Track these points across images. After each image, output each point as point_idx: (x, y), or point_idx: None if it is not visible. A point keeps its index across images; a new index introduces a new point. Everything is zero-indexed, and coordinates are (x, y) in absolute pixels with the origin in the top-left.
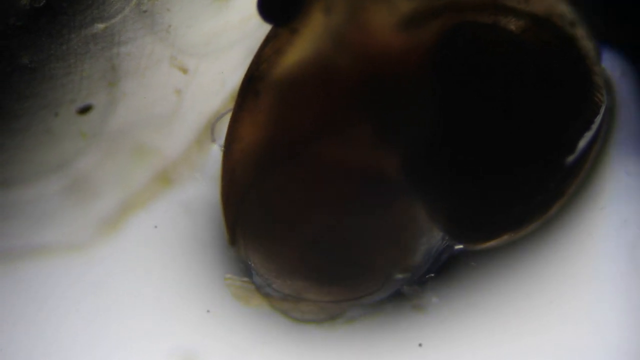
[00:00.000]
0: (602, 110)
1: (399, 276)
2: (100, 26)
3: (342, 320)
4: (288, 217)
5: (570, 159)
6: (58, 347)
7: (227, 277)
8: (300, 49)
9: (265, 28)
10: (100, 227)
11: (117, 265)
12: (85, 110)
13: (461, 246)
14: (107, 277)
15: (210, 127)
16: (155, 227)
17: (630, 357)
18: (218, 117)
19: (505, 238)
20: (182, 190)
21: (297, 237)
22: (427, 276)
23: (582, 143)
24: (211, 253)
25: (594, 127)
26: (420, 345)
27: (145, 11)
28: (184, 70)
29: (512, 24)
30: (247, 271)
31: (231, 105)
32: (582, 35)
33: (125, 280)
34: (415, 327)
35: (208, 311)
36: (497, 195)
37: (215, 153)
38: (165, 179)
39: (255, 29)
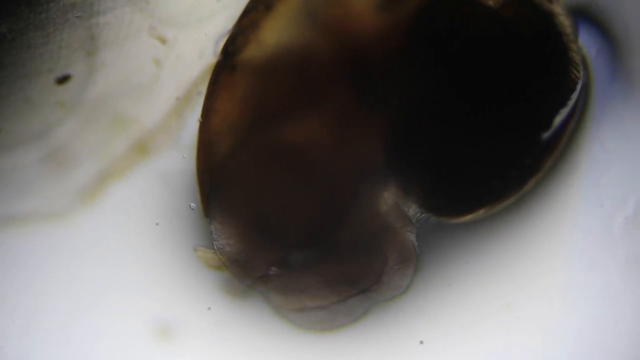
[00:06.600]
0: (579, 87)
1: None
2: None
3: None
4: (263, 191)
5: (547, 134)
6: (36, 315)
7: (197, 249)
8: (276, 25)
9: None
10: (78, 196)
11: (95, 234)
12: (63, 80)
13: (437, 219)
14: (85, 246)
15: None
16: (157, 224)
17: (605, 333)
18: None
19: (480, 212)
20: (160, 160)
21: (271, 212)
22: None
23: (559, 119)
24: (188, 223)
25: (570, 103)
26: (421, 342)
27: None
28: (163, 41)
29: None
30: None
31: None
32: (560, 11)
33: (103, 248)
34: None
35: (209, 308)
36: (474, 169)
37: (192, 123)
38: (143, 148)
39: (235, 0)
